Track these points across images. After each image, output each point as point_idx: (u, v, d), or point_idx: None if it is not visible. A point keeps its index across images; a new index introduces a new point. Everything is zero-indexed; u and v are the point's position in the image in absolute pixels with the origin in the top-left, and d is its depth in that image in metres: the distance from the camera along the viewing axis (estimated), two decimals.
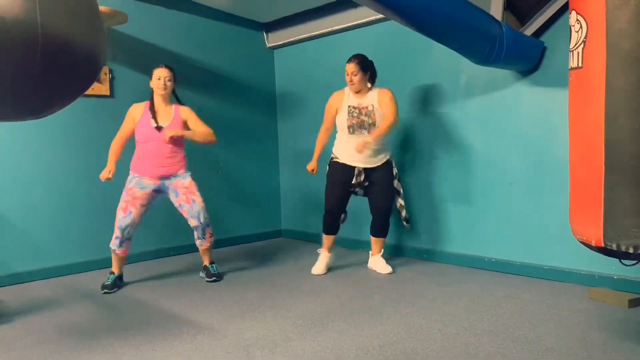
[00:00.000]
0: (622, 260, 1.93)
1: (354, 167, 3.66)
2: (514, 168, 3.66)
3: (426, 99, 4.15)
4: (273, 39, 5.31)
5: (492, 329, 2.59)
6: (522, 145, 3.61)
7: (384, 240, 3.89)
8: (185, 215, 3.58)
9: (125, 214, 3.43)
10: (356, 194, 3.80)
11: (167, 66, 3.56)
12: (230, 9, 4.90)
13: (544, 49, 3.45)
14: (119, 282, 3.57)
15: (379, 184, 3.70)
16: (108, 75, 4.17)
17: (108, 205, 4.15)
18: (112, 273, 3.57)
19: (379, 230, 3.83)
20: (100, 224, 4.12)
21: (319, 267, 3.80)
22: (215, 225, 4.91)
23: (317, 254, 3.89)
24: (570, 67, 1.94)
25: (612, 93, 1.76)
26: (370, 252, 3.94)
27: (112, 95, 4.21)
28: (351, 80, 3.61)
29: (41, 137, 3.88)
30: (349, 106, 3.66)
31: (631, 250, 1.78)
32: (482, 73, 3.75)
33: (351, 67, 3.60)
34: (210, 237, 3.67)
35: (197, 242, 3.67)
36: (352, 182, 3.67)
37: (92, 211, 4.10)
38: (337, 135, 3.78)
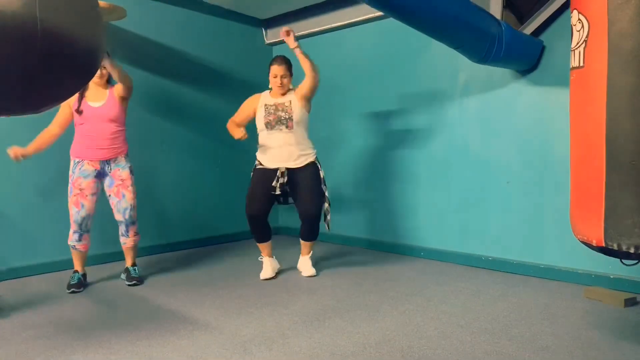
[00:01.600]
0: (622, 260, 1.93)
1: (276, 170, 3.57)
2: (512, 167, 3.66)
3: (424, 97, 4.15)
4: (272, 36, 5.30)
5: (488, 327, 2.59)
6: (520, 144, 3.62)
7: (313, 242, 3.78)
8: (112, 206, 3.53)
9: (78, 208, 3.38)
10: (279, 202, 3.69)
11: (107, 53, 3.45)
12: (229, 5, 4.89)
13: (543, 48, 3.45)
14: (84, 281, 3.51)
15: (305, 187, 3.57)
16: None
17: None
18: (76, 272, 3.50)
19: (307, 234, 3.71)
20: (97, 219, 4.11)
21: (265, 272, 3.68)
22: (212, 222, 4.94)
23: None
24: (571, 67, 1.94)
25: (613, 92, 1.76)
26: (301, 252, 3.84)
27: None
28: (282, 84, 3.59)
29: (37, 132, 3.86)
30: (265, 104, 3.64)
31: (632, 250, 1.78)
32: (480, 72, 3.76)
33: (282, 70, 3.58)
34: (135, 236, 3.58)
35: (121, 240, 3.59)
36: (273, 184, 3.54)
37: (99, 199, 4.08)
38: (258, 139, 3.69)
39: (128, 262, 3.65)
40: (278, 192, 3.56)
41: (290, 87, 3.69)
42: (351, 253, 4.04)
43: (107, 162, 3.47)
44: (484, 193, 3.82)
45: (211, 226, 4.95)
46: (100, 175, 3.49)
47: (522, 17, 3.42)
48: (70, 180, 3.43)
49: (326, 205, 3.69)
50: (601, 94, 1.78)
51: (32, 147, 3.39)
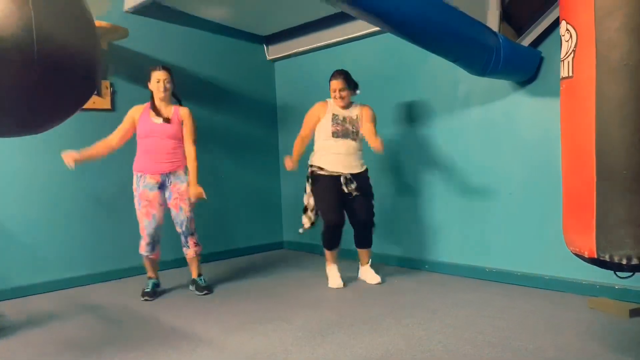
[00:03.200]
0: (617, 273, 1.91)
1: (339, 176, 3.63)
2: (514, 178, 3.66)
3: (425, 110, 4.16)
4: (273, 52, 5.35)
5: (492, 340, 2.58)
6: (521, 155, 3.62)
7: (371, 249, 3.86)
8: (173, 219, 3.63)
9: (149, 219, 3.49)
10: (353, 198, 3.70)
11: (164, 68, 3.60)
12: (231, 22, 4.95)
13: (541, 59, 3.46)
14: (157, 288, 3.65)
15: (360, 197, 3.67)
16: (109, 89, 4.20)
17: (109, 218, 4.18)
18: (150, 278, 3.66)
19: (363, 241, 3.80)
20: (99, 238, 4.14)
21: (334, 281, 3.74)
22: (218, 237, 4.94)
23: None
24: (561, 77, 1.96)
25: (602, 102, 1.76)
26: (360, 263, 3.93)
27: (113, 109, 4.24)
28: (340, 97, 3.64)
29: (42, 151, 3.90)
30: (334, 114, 3.67)
31: (624, 262, 1.77)
32: (481, 83, 3.76)
33: (339, 84, 3.63)
34: (195, 246, 3.67)
35: (183, 250, 3.71)
36: (346, 191, 3.63)
37: (94, 224, 4.11)
38: (316, 146, 3.73)
39: (194, 274, 3.75)
40: (354, 194, 3.64)
41: (353, 101, 3.74)
42: (354, 267, 4.04)
43: (167, 175, 3.57)
44: (487, 204, 3.81)
45: (214, 242, 4.95)
46: (162, 187, 3.59)
47: (520, 29, 3.44)
48: (136, 194, 3.54)
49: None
50: (590, 103, 1.79)
51: (86, 153, 3.42)
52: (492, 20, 3.31)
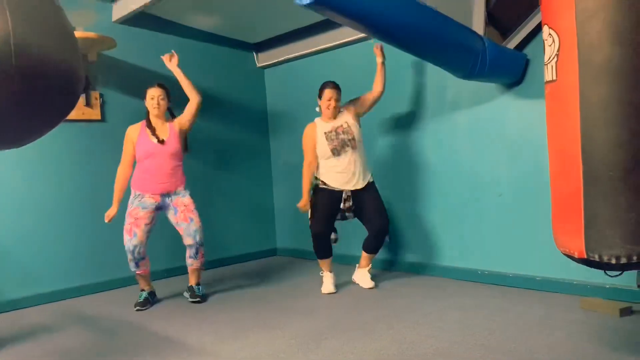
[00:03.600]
0: (606, 272, 1.93)
1: (342, 192, 3.67)
2: (503, 180, 3.68)
3: (413, 115, 4.19)
4: (263, 59, 5.37)
5: (485, 342, 2.58)
6: (510, 157, 3.64)
7: (374, 256, 3.89)
8: (181, 233, 3.61)
9: (130, 236, 3.47)
10: (346, 218, 3.79)
11: (160, 85, 3.61)
12: (220, 30, 4.96)
13: (527, 62, 3.49)
14: (151, 299, 3.66)
15: (373, 204, 3.72)
16: (99, 99, 4.20)
17: (100, 230, 4.17)
18: (143, 290, 3.66)
19: (374, 248, 3.82)
20: (93, 249, 4.13)
21: (327, 287, 3.76)
22: (210, 245, 4.93)
23: (320, 276, 3.88)
24: (545, 81, 1.98)
25: (586, 105, 1.78)
26: (358, 265, 3.93)
27: (103, 119, 4.24)
28: (334, 105, 3.67)
29: (33, 162, 3.90)
30: (325, 133, 3.69)
31: (613, 261, 1.79)
32: (468, 87, 3.79)
33: (333, 93, 3.66)
34: (202, 257, 3.68)
35: (189, 261, 3.68)
36: (341, 207, 3.68)
37: (85, 236, 4.11)
38: (320, 165, 3.74)
39: (192, 282, 3.73)
40: (348, 213, 3.71)
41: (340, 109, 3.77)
42: (348, 271, 4.04)
43: (168, 194, 3.57)
44: (477, 207, 3.83)
45: (207, 250, 4.93)
46: (160, 209, 3.58)
47: (505, 32, 3.46)
48: (128, 210, 3.53)
49: None
50: (574, 106, 1.81)
51: (116, 201, 3.54)
52: (478, 24, 3.33)
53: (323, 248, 3.76)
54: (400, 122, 4.29)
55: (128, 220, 3.50)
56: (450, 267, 4.00)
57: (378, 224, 3.71)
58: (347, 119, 3.72)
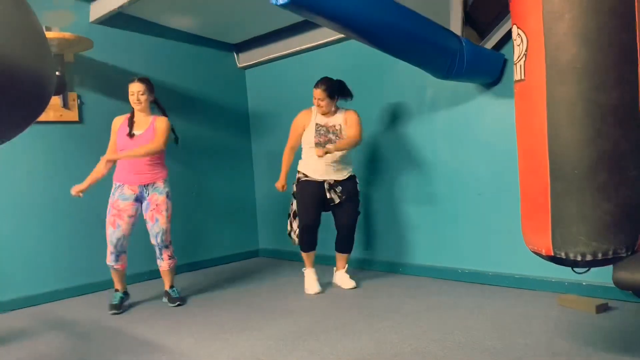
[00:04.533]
0: (574, 269, 1.96)
1: (323, 182, 3.69)
2: (482, 179, 3.71)
3: (393, 115, 4.20)
4: (244, 59, 5.35)
5: (462, 340, 2.60)
6: (488, 156, 3.67)
7: (349, 255, 3.89)
8: (149, 230, 3.59)
9: (114, 228, 3.45)
10: (339, 203, 3.73)
11: (140, 80, 3.57)
12: (200, 31, 4.93)
13: (504, 62, 3.52)
14: (126, 298, 3.61)
15: (348, 198, 3.72)
16: (77, 101, 4.15)
17: (78, 233, 4.12)
18: (117, 291, 3.60)
19: (344, 246, 3.84)
20: (72, 252, 4.08)
21: (312, 287, 3.75)
22: (192, 247, 4.91)
23: (301, 275, 3.87)
24: (514, 80, 2.00)
25: (553, 104, 1.81)
26: (335, 268, 3.95)
27: (81, 121, 4.19)
28: (319, 105, 3.69)
29: (9, 166, 3.84)
30: (317, 124, 3.71)
31: (579, 258, 1.82)
32: (446, 87, 3.81)
33: (318, 93, 3.67)
34: (169, 259, 3.63)
35: (157, 262, 3.67)
36: (328, 197, 3.68)
37: (63, 239, 4.05)
38: (303, 153, 3.80)
39: (166, 285, 3.70)
40: (337, 201, 3.69)
41: (333, 109, 3.74)
42: (326, 272, 4.04)
43: (146, 186, 3.54)
44: (456, 206, 3.85)
45: (188, 252, 4.91)
46: (139, 200, 3.55)
47: (483, 32, 3.49)
48: (109, 201, 3.50)
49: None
50: (541, 105, 1.83)
51: (88, 180, 3.48)
52: (455, 24, 3.35)
53: (310, 240, 3.76)
54: (379, 123, 4.30)
55: (111, 212, 3.48)
56: (429, 266, 4.02)
57: (344, 221, 3.75)
58: (341, 122, 3.74)
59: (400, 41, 2.84)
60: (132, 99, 3.54)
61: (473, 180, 3.75)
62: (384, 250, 4.34)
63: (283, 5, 2.35)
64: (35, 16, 1.48)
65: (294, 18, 4.39)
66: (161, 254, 3.61)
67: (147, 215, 3.56)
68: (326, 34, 4.50)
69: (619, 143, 1.79)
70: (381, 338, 2.71)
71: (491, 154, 3.65)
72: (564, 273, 3.27)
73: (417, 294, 3.54)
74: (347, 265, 3.90)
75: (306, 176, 3.73)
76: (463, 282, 3.78)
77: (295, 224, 3.81)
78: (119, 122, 3.60)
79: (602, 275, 3.04)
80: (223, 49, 5.26)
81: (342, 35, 4.35)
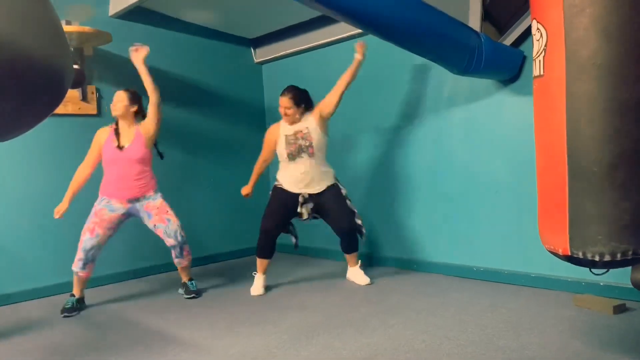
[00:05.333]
0: (591, 270, 1.93)
1: (298, 195, 3.68)
2: (499, 177, 3.67)
3: (409, 110, 4.17)
4: (261, 54, 5.36)
5: (476, 339, 2.58)
6: (506, 154, 3.63)
7: (357, 253, 3.88)
8: (161, 235, 3.56)
9: (92, 235, 3.40)
10: (306, 220, 3.77)
11: (126, 90, 3.57)
12: (217, 25, 4.95)
13: (524, 58, 3.48)
14: (79, 305, 3.50)
15: (332, 207, 3.70)
16: (95, 94, 4.20)
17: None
18: (73, 295, 3.51)
19: (348, 247, 3.82)
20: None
21: (257, 288, 3.73)
22: (206, 240, 4.94)
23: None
24: (533, 76, 1.97)
25: (572, 100, 1.77)
26: (348, 265, 3.95)
27: (99, 114, 4.23)
28: (285, 114, 3.68)
29: (29, 157, 3.90)
30: (285, 135, 3.71)
31: (597, 258, 1.78)
32: (464, 83, 3.78)
33: (285, 101, 3.66)
34: (188, 254, 3.65)
35: (176, 261, 3.65)
36: (298, 210, 3.68)
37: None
38: (279, 165, 3.81)
39: (185, 278, 3.72)
40: (306, 217, 3.70)
41: (297, 117, 3.72)
42: (341, 268, 4.04)
43: (137, 199, 3.52)
44: (473, 204, 3.82)
45: (203, 246, 4.95)
46: (129, 215, 3.54)
47: (502, 28, 3.45)
48: (94, 209, 3.46)
49: (359, 221, 3.77)
50: (561, 102, 1.80)
51: (68, 197, 3.45)
52: (474, 20, 3.32)
53: (266, 247, 3.74)
54: (395, 119, 4.28)
55: (92, 219, 3.43)
56: (444, 263, 4.00)
57: (339, 227, 3.72)
58: (309, 123, 3.70)
59: (418, 36, 2.82)
60: (112, 107, 3.54)
61: (490, 177, 3.72)
62: (398, 247, 4.32)
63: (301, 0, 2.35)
64: (52, 8, 1.49)
65: (311, 13, 4.39)
66: (182, 252, 3.60)
67: (154, 221, 3.53)
68: (343, 29, 4.49)
69: None
70: (394, 334, 2.71)
71: (509, 151, 3.61)
72: (581, 273, 3.23)
73: (431, 291, 3.52)
74: (359, 261, 3.90)
75: (281, 185, 3.75)
76: (478, 280, 3.76)
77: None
78: (105, 135, 3.54)
79: (620, 276, 3.00)
80: (240, 44, 5.27)
81: (359, 31, 4.33)
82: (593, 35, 1.71)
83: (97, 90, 4.22)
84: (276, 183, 3.80)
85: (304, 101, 3.73)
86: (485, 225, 3.76)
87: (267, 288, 3.81)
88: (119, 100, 3.53)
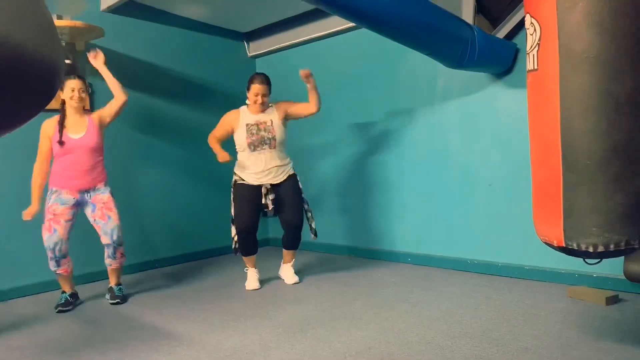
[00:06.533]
0: (585, 260, 1.95)
1: (260, 186, 3.62)
2: (493, 169, 3.68)
3: (403, 104, 4.18)
4: (254, 48, 5.34)
5: (470, 331, 2.60)
6: (500, 147, 3.64)
7: (295, 251, 3.86)
8: (98, 231, 3.49)
9: (50, 233, 3.34)
10: (266, 215, 3.72)
11: (79, 77, 3.49)
12: (210, 19, 4.92)
13: (517, 51, 3.48)
14: (73, 300, 3.49)
15: (287, 199, 3.66)
16: (87, 89, 4.16)
17: (88, 220, 4.15)
18: (64, 292, 3.49)
19: (291, 243, 3.79)
20: (84, 238, 4.11)
21: (251, 283, 3.73)
22: (202, 234, 4.94)
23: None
24: (527, 70, 1.97)
25: (565, 94, 1.78)
26: (282, 261, 3.93)
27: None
28: (261, 101, 3.61)
29: (20, 153, 3.87)
30: (247, 124, 3.63)
31: (591, 249, 1.80)
32: (458, 76, 3.79)
33: (263, 89, 3.60)
34: (122, 257, 3.55)
35: (107, 261, 3.55)
36: (263, 202, 3.62)
37: (75, 226, 4.08)
38: (237, 156, 3.71)
39: (112, 282, 3.62)
40: (270, 207, 3.62)
41: (270, 104, 3.71)
42: (337, 261, 4.05)
43: (87, 191, 3.45)
44: (467, 196, 3.84)
45: (196, 241, 4.95)
46: (79, 205, 3.46)
47: (495, 21, 3.45)
48: (46, 206, 3.39)
49: (309, 214, 3.75)
50: (554, 95, 1.81)
51: (36, 198, 3.37)
52: (467, 13, 3.32)
53: (248, 244, 3.69)
54: (389, 112, 4.28)
55: (47, 217, 3.36)
56: (438, 256, 4.02)
57: (288, 221, 3.67)
58: (273, 117, 3.65)
59: (411, 30, 2.81)
60: (72, 95, 3.39)
61: (484, 170, 3.73)
62: (395, 240, 4.33)
63: None
64: (43, 2, 1.47)
65: (305, 7, 4.38)
66: (115, 253, 3.50)
67: (95, 215, 3.46)
68: (337, 22, 4.49)
69: (633, 134, 1.77)
70: (388, 327, 2.72)
71: (503, 144, 3.62)
72: (574, 264, 3.27)
73: (425, 284, 3.54)
74: (293, 260, 3.88)
75: (242, 179, 3.65)
76: (472, 272, 3.78)
77: (234, 230, 3.71)
78: (52, 126, 3.42)
79: (612, 267, 3.03)
80: (233, 38, 5.26)
81: (353, 24, 4.32)
82: (586, 30, 1.72)
83: (90, 85, 4.19)
84: (236, 178, 3.68)
85: (270, 88, 3.70)
86: (480, 218, 3.78)
87: (262, 282, 3.82)
88: (80, 88, 3.42)
